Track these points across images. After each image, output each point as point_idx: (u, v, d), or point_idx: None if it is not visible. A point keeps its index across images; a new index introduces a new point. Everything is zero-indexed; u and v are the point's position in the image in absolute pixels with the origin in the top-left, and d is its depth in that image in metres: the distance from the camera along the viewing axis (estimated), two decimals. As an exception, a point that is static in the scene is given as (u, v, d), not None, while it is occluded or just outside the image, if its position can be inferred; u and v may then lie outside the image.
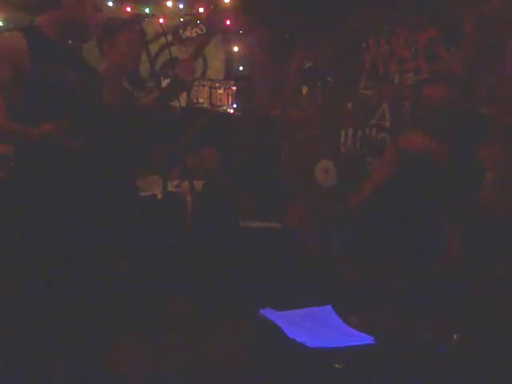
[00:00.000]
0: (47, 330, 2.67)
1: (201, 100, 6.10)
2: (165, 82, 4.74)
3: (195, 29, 5.93)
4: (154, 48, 5.89)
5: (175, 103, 4.11)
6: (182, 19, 5.93)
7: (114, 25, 3.26)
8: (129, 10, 5.81)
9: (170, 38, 5.78)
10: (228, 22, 6.14)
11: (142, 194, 4.35)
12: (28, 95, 2.61)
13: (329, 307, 2.36)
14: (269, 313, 2.27)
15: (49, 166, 2.62)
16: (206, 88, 6.14)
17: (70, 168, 2.65)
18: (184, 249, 4.36)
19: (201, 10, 5.96)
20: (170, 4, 5.94)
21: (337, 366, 1.95)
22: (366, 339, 2.13)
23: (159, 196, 4.18)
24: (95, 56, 3.37)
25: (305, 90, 5.85)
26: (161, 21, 5.71)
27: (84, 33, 2.81)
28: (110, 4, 5.82)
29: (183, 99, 5.38)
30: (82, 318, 2.83)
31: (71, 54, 2.81)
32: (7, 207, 2.72)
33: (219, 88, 6.18)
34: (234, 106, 6.23)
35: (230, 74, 6.48)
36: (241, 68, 6.53)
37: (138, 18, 5.40)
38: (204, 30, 5.95)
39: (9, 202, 2.71)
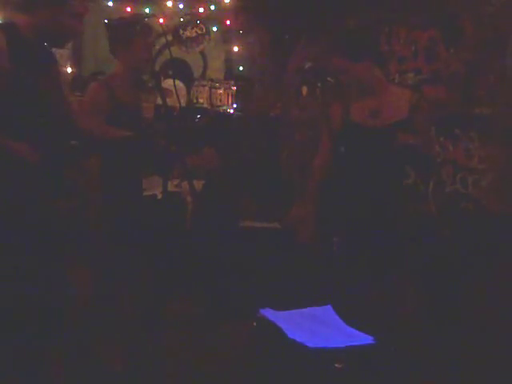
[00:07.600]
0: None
1: (201, 100, 6.10)
2: (165, 82, 4.75)
3: (195, 29, 5.93)
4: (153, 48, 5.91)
5: (175, 103, 4.12)
6: (181, 19, 5.93)
7: (131, 30, 3.31)
8: (129, 9, 5.81)
9: (170, 37, 5.78)
10: (228, 22, 6.15)
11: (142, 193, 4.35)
12: (6, 96, 2.53)
13: (329, 307, 2.36)
14: (269, 313, 2.27)
15: None
16: (206, 88, 6.14)
17: None
18: (184, 249, 4.35)
19: (201, 9, 5.96)
20: (170, 4, 5.94)
21: (337, 365, 1.95)
22: (366, 339, 2.13)
23: (159, 196, 4.18)
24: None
25: (305, 90, 5.85)
26: (161, 21, 5.72)
27: (61, 39, 2.81)
28: (110, 4, 5.82)
29: (183, 99, 5.38)
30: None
31: (48, 56, 2.80)
32: None
33: (219, 88, 6.19)
34: (234, 106, 6.23)
35: (229, 74, 6.48)
36: (241, 68, 6.53)
37: (138, 17, 5.40)
38: (204, 29, 5.96)
39: None
